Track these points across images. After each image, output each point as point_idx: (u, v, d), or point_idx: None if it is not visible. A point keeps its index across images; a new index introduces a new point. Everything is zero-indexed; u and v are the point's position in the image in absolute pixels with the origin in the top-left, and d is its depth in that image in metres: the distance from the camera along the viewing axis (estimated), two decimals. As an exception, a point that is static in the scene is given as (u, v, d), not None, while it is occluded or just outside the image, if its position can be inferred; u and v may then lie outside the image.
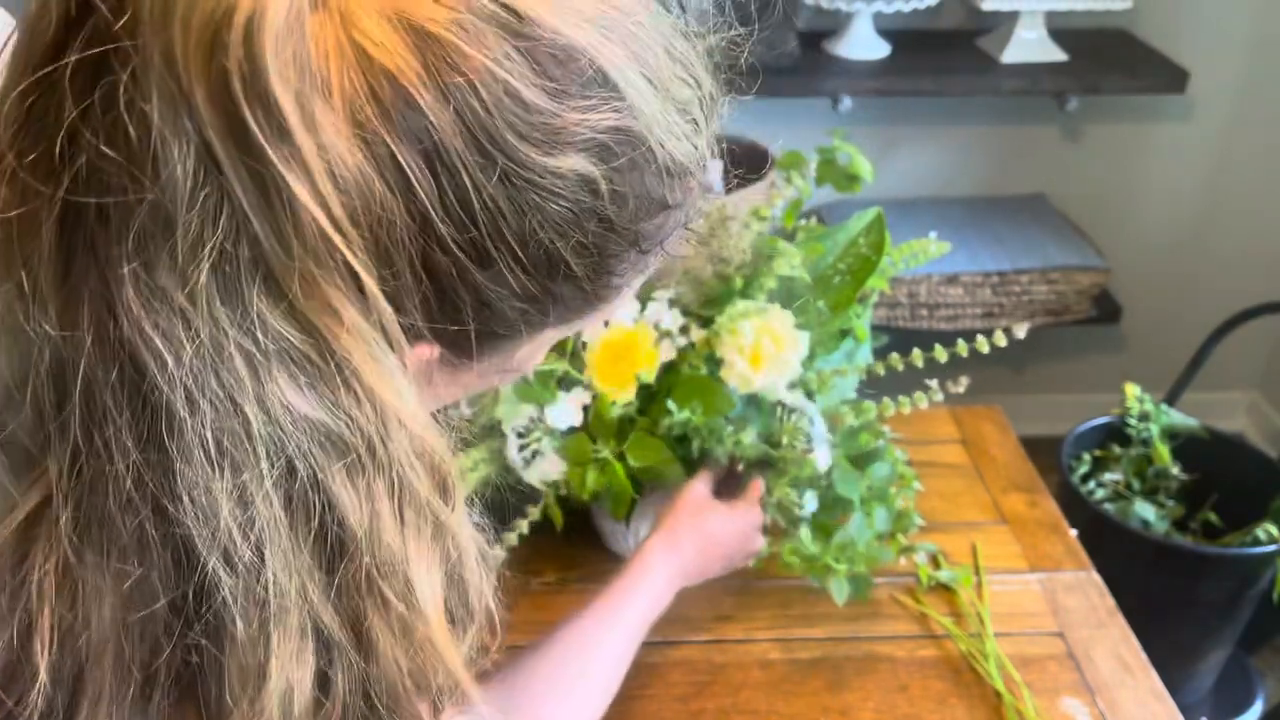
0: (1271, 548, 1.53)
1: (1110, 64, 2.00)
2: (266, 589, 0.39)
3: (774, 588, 1.02)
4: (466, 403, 0.96)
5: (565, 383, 0.92)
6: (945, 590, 1.02)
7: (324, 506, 0.39)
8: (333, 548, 0.40)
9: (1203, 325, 2.05)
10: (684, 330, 0.93)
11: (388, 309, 0.39)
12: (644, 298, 0.95)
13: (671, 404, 0.90)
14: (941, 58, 2.01)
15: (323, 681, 0.41)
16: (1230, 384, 2.50)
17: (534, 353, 0.49)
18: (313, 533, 0.40)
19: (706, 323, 0.93)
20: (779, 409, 0.92)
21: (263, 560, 0.39)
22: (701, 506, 0.88)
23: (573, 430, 0.91)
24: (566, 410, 0.91)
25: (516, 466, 0.92)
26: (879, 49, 2.00)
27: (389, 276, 0.39)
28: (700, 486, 0.90)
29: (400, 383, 0.40)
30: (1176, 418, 1.67)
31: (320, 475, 0.39)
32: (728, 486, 0.93)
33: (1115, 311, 2.17)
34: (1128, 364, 2.45)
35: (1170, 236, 2.34)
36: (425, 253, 0.40)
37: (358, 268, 0.38)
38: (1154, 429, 1.65)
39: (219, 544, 0.38)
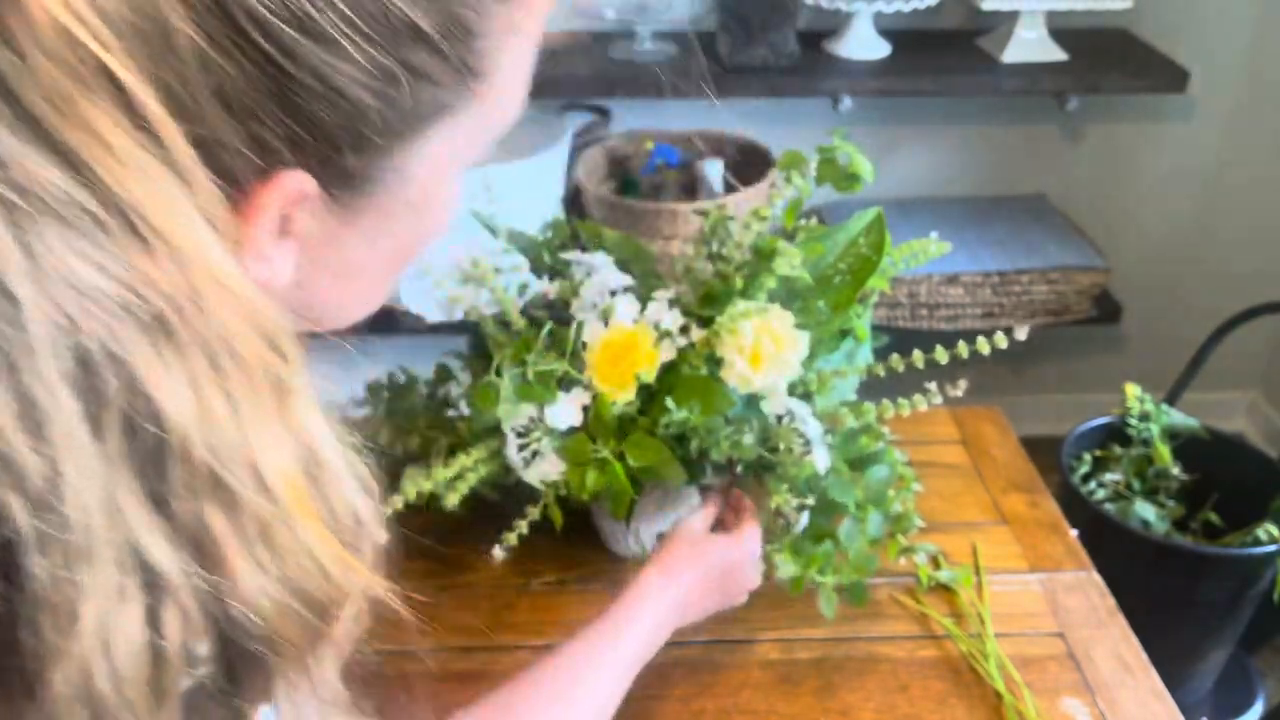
0: (1272, 548, 1.53)
1: (1110, 64, 2.00)
2: (67, 515, 0.32)
3: (774, 588, 1.02)
4: (466, 402, 0.95)
5: (565, 383, 0.92)
6: (945, 591, 1.02)
7: (130, 396, 0.32)
8: (153, 447, 0.33)
9: (1203, 325, 2.05)
10: (684, 330, 0.93)
11: (170, 123, 0.32)
12: (644, 298, 0.95)
13: (670, 402, 0.90)
14: (942, 58, 2.01)
15: (156, 620, 0.34)
16: (1230, 384, 2.50)
17: (436, 180, 0.43)
18: (121, 433, 0.33)
19: (706, 323, 0.93)
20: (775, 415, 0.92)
21: (59, 477, 0.31)
22: (699, 540, 0.86)
23: (573, 430, 0.91)
24: (566, 410, 0.91)
25: (516, 466, 0.92)
26: (879, 49, 2.00)
27: (171, 77, 0.32)
28: (697, 523, 0.88)
29: (202, 226, 0.33)
30: (1177, 418, 1.67)
31: (122, 357, 0.32)
32: (723, 523, 0.92)
33: (1115, 311, 2.17)
34: (1128, 364, 2.45)
35: (1170, 236, 2.34)
36: (220, 32, 0.33)
37: (116, 69, 0.31)
38: (1154, 429, 1.65)
39: (4, 464, 0.31)
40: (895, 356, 0.96)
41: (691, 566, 0.83)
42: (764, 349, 0.88)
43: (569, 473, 0.91)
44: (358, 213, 0.40)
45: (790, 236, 0.99)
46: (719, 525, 0.91)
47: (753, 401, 0.92)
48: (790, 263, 0.90)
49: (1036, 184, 2.28)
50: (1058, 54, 2.00)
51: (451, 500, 0.93)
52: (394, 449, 1.00)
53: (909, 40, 2.03)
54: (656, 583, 0.81)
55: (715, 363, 0.91)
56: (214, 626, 0.35)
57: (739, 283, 0.93)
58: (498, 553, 0.92)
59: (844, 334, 1.00)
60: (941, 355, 0.90)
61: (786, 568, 0.90)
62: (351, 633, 0.40)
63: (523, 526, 0.92)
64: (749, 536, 0.89)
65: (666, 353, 0.92)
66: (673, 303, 0.94)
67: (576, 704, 0.74)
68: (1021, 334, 0.88)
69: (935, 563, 1.05)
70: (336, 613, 0.39)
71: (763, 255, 0.94)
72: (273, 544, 0.36)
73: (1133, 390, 1.67)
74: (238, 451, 0.34)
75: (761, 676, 0.94)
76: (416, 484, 0.93)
